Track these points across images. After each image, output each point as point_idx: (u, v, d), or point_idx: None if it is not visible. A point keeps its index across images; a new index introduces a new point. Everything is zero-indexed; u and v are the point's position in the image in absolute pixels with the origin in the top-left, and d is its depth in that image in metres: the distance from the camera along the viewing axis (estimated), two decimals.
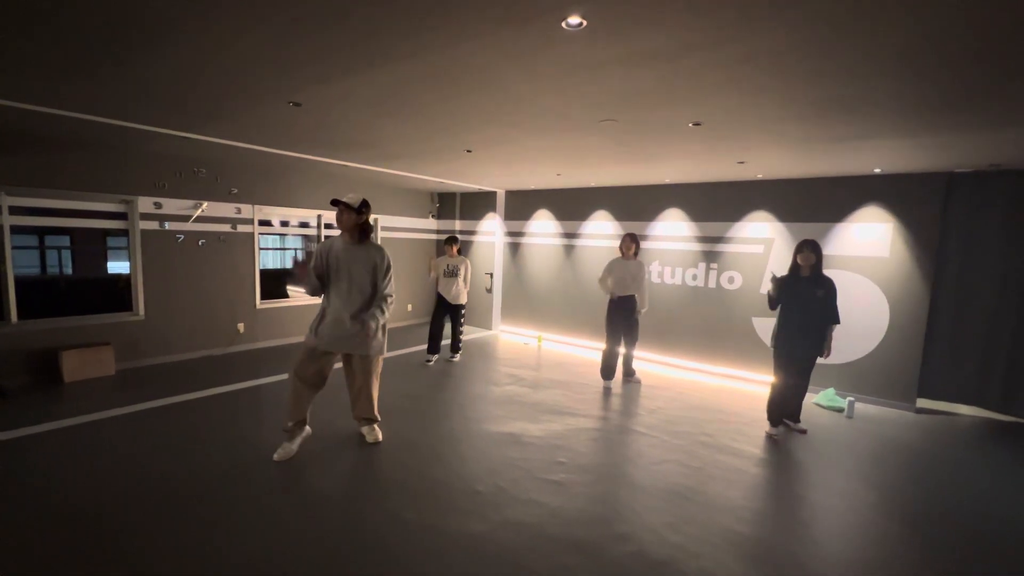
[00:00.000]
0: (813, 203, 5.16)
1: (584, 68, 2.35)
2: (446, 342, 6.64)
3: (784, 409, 4.05)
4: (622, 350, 5.27)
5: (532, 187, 7.15)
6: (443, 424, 4.01)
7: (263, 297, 6.41)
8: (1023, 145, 3.40)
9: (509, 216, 7.75)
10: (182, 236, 5.52)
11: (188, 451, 3.35)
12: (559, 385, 5.23)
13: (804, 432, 4.10)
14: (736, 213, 5.66)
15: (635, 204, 6.41)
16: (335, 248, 3.23)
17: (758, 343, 5.58)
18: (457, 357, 6.04)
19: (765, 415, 4.38)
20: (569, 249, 7.11)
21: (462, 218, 8.36)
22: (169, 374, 5.06)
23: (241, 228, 6.03)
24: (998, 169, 4.29)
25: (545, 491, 3.02)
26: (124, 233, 5.28)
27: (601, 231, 6.76)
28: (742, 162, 4.45)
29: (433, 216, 8.58)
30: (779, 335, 3.99)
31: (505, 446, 3.64)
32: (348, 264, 3.19)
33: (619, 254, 5.14)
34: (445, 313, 5.84)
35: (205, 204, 5.66)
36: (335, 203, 3.18)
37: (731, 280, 5.73)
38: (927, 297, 4.65)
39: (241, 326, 6.13)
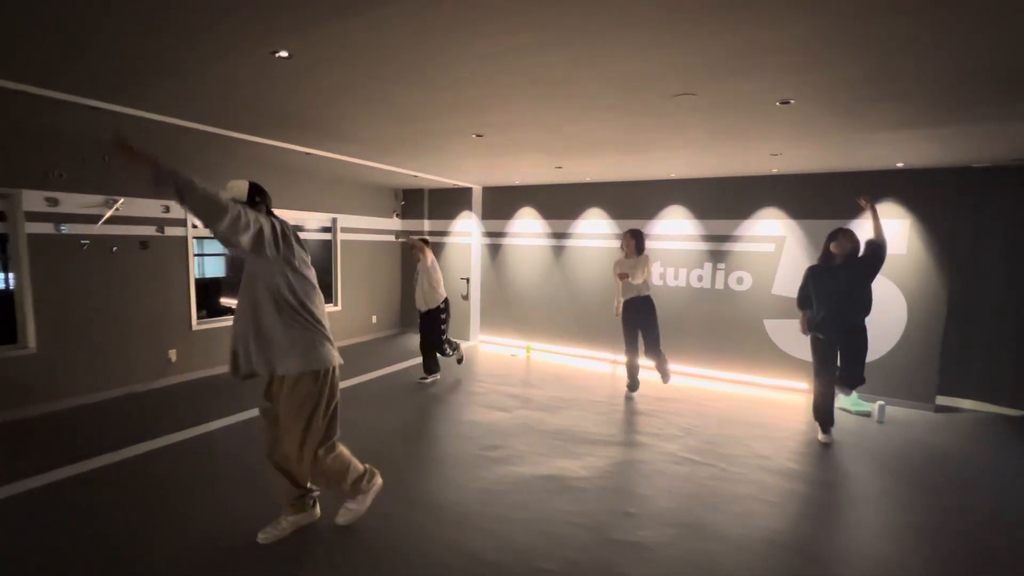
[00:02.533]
0: (827, 199, 4.95)
1: (668, 24, 1.75)
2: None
3: (831, 409, 3.79)
4: (642, 357, 4.75)
5: (517, 182, 6.48)
6: (461, 471, 3.25)
7: (202, 315, 5.22)
8: None
9: (488, 215, 7.03)
10: (87, 242, 4.27)
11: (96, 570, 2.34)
12: (572, 405, 4.62)
13: (828, 444, 3.77)
14: (745, 210, 5.35)
15: (633, 201, 5.95)
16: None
17: (771, 347, 5.31)
18: (429, 379, 5.09)
19: (810, 423, 4.09)
20: (559, 250, 6.52)
21: (431, 217, 7.51)
22: (72, 426, 3.84)
23: (171, 231, 4.83)
24: (1021, 163, 4.25)
25: (629, 559, 2.39)
26: (2, 239, 3.97)
27: (595, 230, 6.24)
28: (776, 154, 4.08)
29: (398, 215, 7.65)
30: (815, 330, 3.75)
31: (552, 496, 2.96)
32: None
33: (622, 254, 4.70)
34: (425, 330, 5.04)
35: (121, 200, 4.43)
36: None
37: (740, 281, 5.43)
38: (944, 294, 4.56)
39: (173, 353, 4.92)
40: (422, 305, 4.98)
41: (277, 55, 2.26)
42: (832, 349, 3.74)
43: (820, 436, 3.87)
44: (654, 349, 4.64)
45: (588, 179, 5.93)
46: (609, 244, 6.15)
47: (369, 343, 7.09)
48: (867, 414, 4.52)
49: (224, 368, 5.40)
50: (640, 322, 4.63)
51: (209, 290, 5.49)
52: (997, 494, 3.11)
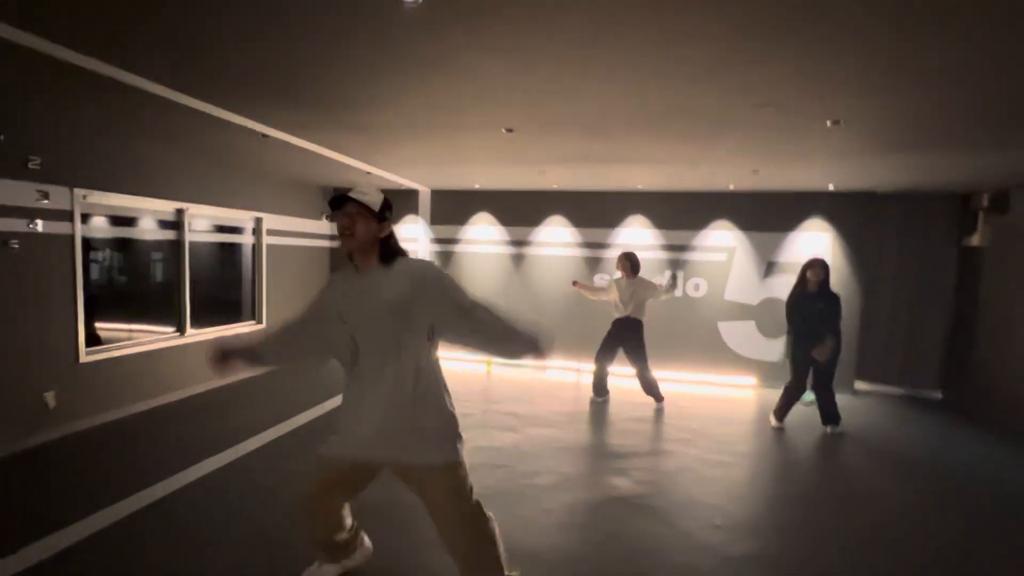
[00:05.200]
0: (770, 214, 5.60)
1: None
2: None
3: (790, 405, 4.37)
4: (612, 370, 4.89)
5: (477, 186, 6.13)
6: (524, 506, 2.87)
7: (91, 342, 3.87)
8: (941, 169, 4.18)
9: (437, 220, 6.52)
10: None
11: None
12: (572, 419, 4.50)
13: (840, 433, 4.27)
14: (700, 222, 5.79)
15: (595, 210, 6.04)
16: (337, 288, 1.81)
17: (724, 348, 5.80)
18: None
19: (773, 413, 4.49)
20: (518, 259, 6.33)
21: None
22: None
23: (50, 227, 3.51)
24: (916, 191, 5.28)
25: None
26: None
27: (557, 238, 6.19)
28: (756, 171, 4.47)
29: (327, 217, 6.69)
30: (794, 347, 4.22)
31: (635, 518, 2.77)
32: (360, 308, 1.72)
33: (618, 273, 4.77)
34: None
35: None
36: (339, 202, 1.68)
37: (697, 287, 5.84)
38: (859, 296, 5.47)
39: (51, 396, 3.55)
40: None
41: None
42: (806, 367, 4.23)
43: (773, 421, 4.40)
44: (644, 371, 4.72)
45: (555, 186, 5.86)
46: (571, 253, 6.15)
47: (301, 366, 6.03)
48: (812, 403, 5.18)
49: (125, 410, 4.12)
50: (626, 342, 4.68)
51: (102, 305, 4.10)
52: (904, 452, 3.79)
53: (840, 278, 5.43)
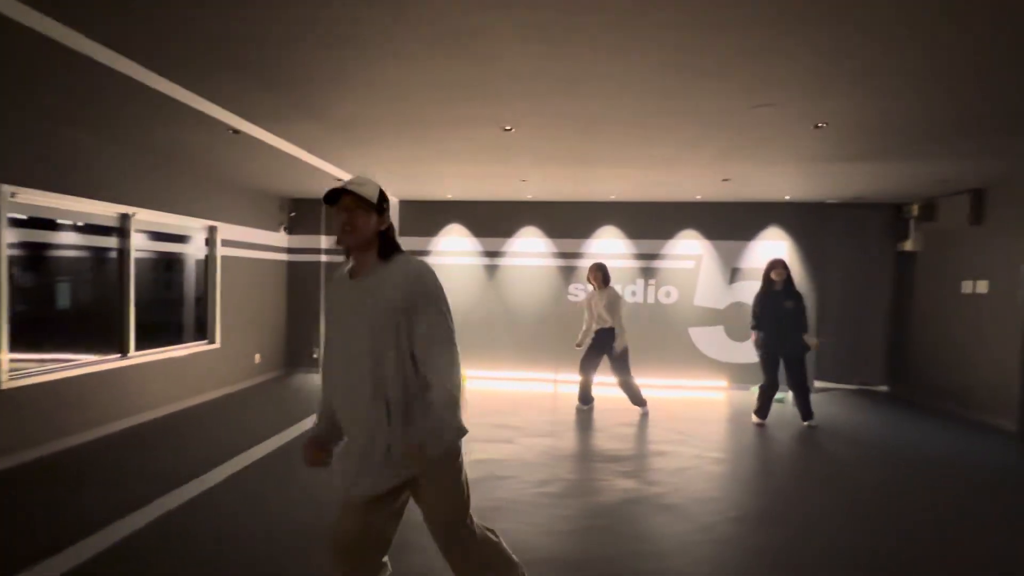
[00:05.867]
0: (733, 224, 5.91)
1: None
2: None
3: (770, 402, 4.55)
4: (596, 379, 4.86)
5: (449, 197, 6.01)
6: (539, 515, 2.73)
7: (16, 364, 3.30)
8: (885, 181, 4.66)
9: (407, 231, 6.31)
10: None
11: None
12: (566, 428, 4.42)
13: (814, 427, 4.47)
14: (669, 231, 6.01)
15: (568, 221, 6.11)
16: (333, 292, 1.66)
17: (695, 352, 5.98)
18: None
19: (755, 413, 4.64)
20: (492, 270, 6.23)
21: (330, 232, 6.38)
22: None
23: None
24: (858, 201, 5.78)
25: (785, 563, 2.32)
26: None
27: (531, 249, 6.18)
28: (727, 179, 4.71)
29: (285, 229, 6.28)
30: (764, 342, 4.39)
31: (654, 516, 2.70)
32: (349, 311, 1.57)
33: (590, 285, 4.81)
34: None
35: None
36: (335, 195, 1.55)
37: (668, 294, 6.02)
38: (814, 299, 5.85)
39: None
40: None
41: None
42: (775, 359, 4.43)
43: (755, 419, 4.54)
44: (628, 378, 4.73)
45: (530, 196, 5.88)
46: (546, 263, 6.15)
47: (259, 389, 5.53)
48: (781, 401, 5.43)
49: (56, 444, 3.55)
50: (611, 351, 4.69)
51: (30, 321, 3.53)
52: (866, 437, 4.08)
53: (796, 283, 5.80)
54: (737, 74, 2.40)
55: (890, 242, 5.94)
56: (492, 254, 6.22)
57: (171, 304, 4.94)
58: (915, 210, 5.56)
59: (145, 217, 4.25)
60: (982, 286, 4.85)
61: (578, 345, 4.85)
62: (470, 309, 6.21)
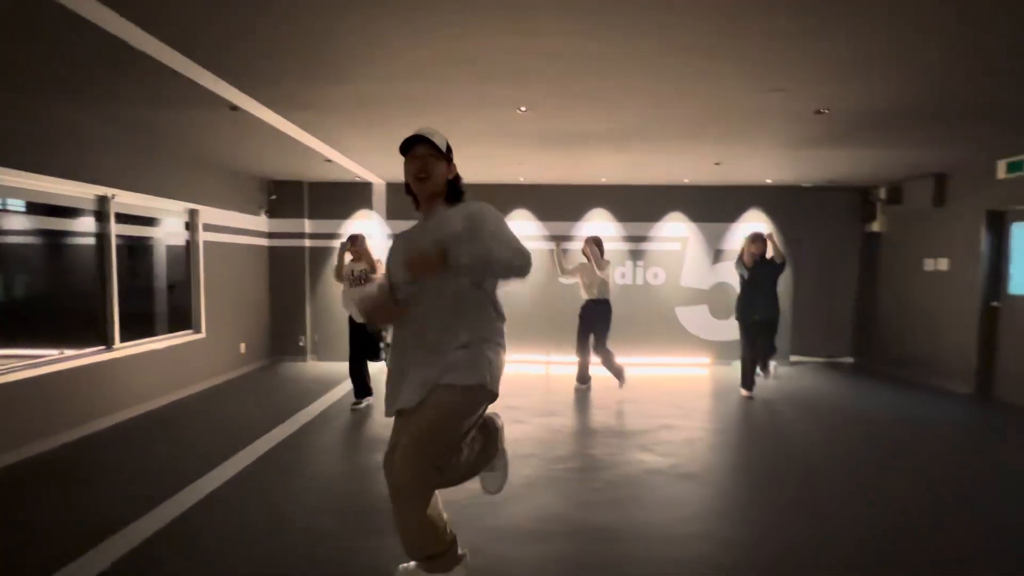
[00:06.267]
0: (717, 206, 6.13)
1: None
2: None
3: (752, 373, 4.79)
4: (593, 356, 4.95)
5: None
6: (580, 489, 2.81)
7: None
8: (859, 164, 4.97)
9: (395, 214, 6.17)
10: None
11: None
12: (570, 407, 4.55)
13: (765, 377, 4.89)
14: (657, 214, 6.16)
15: (559, 203, 6.15)
16: (398, 247, 1.76)
17: (683, 331, 6.21)
18: (363, 403, 4.28)
19: (742, 387, 4.85)
20: None
21: (314, 216, 6.16)
22: None
23: None
24: (831, 185, 6.10)
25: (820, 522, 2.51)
26: None
27: (522, 231, 6.17)
28: (719, 163, 4.87)
29: (266, 213, 6.00)
30: (742, 308, 4.69)
31: (678, 484, 2.84)
32: (420, 248, 1.60)
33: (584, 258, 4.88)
34: (361, 341, 4.20)
35: None
36: (412, 144, 1.64)
37: (656, 275, 6.20)
38: (792, 280, 6.18)
39: None
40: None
41: None
42: (754, 330, 4.68)
43: (744, 392, 4.76)
44: (602, 347, 4.83)
45: (522, 179, 5.87)
46: (536, 246, 6.17)
47: (246, 380, 5.33)
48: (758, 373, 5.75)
49: None
50: (595, 324, 4.80)
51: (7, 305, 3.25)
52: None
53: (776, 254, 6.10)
54: (755, 56, 2.46)
55: (858, 223, 6.33)
56: None
57: (146, 293, 4.64)
58: (882, 193, 5.94)
59: (125, 200, 3.96)
60: (943, 263, 5.27)
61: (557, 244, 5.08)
62: None
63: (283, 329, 6.15)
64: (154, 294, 4.67)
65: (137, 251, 4.54)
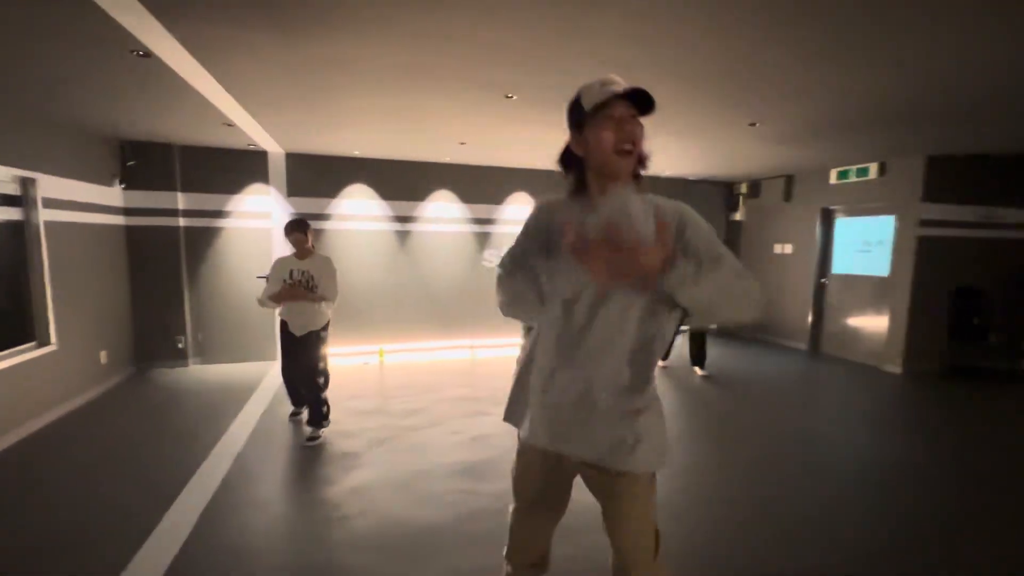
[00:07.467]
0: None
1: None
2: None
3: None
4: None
5: (356, 153, 5.27)
6: None
7: None
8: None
9: (297, 191, 5.36)
10: None
11: None
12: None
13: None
14: None
15: (481, 185, 6.02)
16: (563, 216, 1.25)
17: None
18: (321, 432, 3.40)
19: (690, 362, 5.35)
20: (403, 236, 5.79)
21: (188, 189, 5.01)
22: None
23: None
24: (709, 179, 7.06)
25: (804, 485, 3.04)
26: None
27: (445, 214, 5.92)
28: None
29: (121, 184, 4.68)
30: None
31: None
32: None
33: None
34: (293, 351, 3.50)
35: None
36: (616, 99, 1.19)
37: None
38: None
39: None
40: (302, 327, 3.42)
41: None
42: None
43: (699, 371, 5.23)
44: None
45: (448, 159, 5.57)
46: (461, 229, 5.99)
47: (114, 396, 4.20)
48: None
49: None
50: None
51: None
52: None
53: None
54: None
55: (723, 212, 7.52)
56: (405, 219, 5.77)
57: None
58: (744, 188, 7.14)
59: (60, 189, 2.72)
60: (788, 248, 6.61)
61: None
62: (382, 278, 5.72)
63: (151, 328, 4.95)
64: None
65: None
